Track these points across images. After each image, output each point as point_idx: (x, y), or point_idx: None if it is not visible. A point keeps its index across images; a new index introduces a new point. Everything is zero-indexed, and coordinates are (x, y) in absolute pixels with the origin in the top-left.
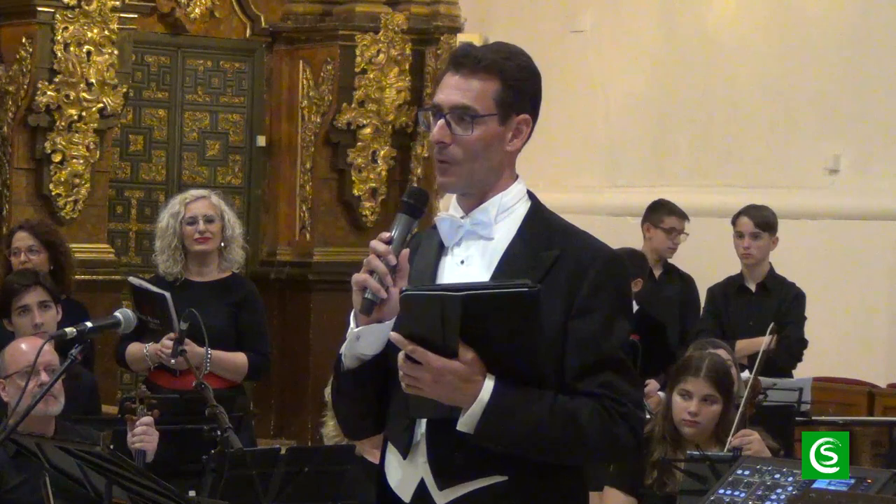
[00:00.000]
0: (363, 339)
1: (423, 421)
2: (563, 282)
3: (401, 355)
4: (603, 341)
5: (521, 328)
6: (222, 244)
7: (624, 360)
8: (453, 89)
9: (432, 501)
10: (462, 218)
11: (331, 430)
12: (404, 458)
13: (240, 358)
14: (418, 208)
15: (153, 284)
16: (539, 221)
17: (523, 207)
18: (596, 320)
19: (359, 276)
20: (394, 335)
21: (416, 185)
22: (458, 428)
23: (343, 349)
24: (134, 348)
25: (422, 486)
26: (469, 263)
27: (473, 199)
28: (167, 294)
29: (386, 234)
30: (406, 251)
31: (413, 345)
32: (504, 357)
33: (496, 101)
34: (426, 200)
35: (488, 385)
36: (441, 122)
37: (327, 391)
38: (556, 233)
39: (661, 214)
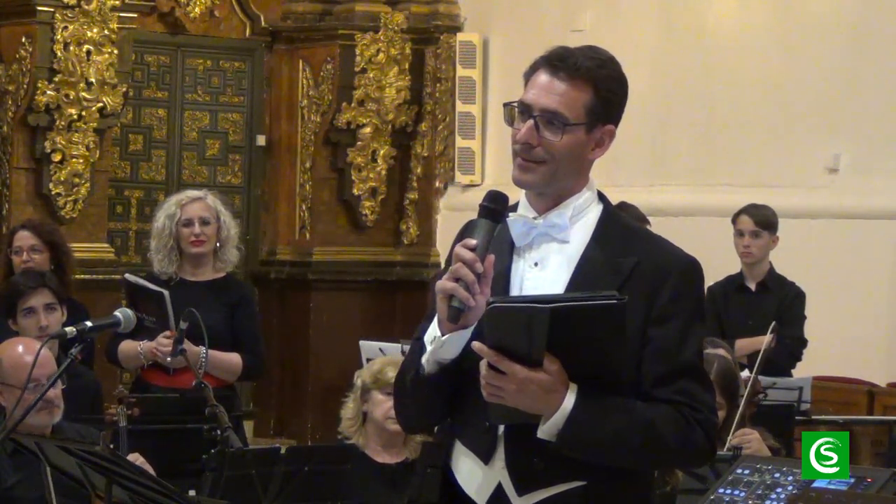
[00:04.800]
0: (447, 345)
1: (501, 425)
2: (643, 289)
3: (483, 364)
4: (681, 349)
5: (606, 338)
6: (217, 244)
7: (699, 366)
8: (546, 91)
9: None
10: (535, 219)
11: (349, 412)
12: (485, 462)
13: (234, 358)
14: (499, 212)
15: (148, 282)
16: (614, 225)
17: (596, 210)
18: (674, 328)
19: (447, 285)
20: (477, 345)
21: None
22: (539, 436)
23: (426, 357)
24: (127, 346)
25: (499, 490)
26: (544, 267)
27: (548, 200)
28: (165, 292)
29: (472, 242)
30: (491, 257)
31: (498, 355)
32: (587, 365)
33: (586, 111)
34: (506, 203)
35: (571, 395)
36: (530, 123)
37: (358, 373)
38: (634, 238)
39: None
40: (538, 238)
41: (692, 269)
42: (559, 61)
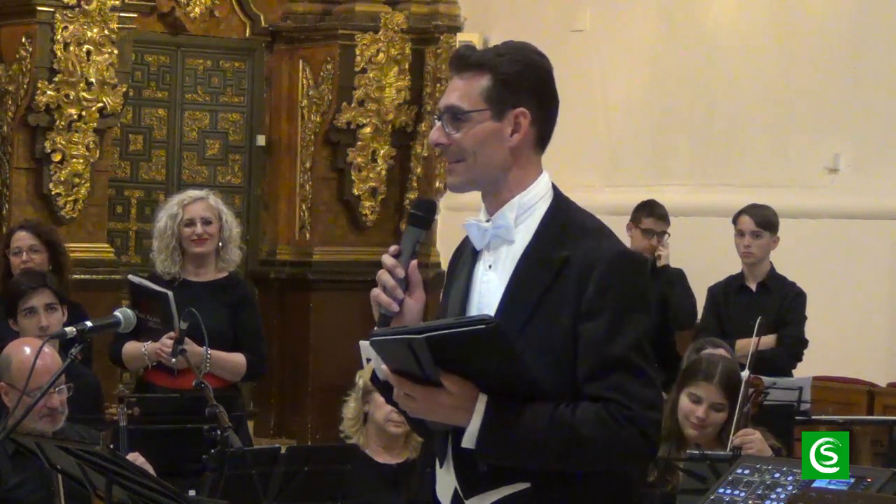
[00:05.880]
0: None
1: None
2: (572, 284)
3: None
4: (610, 342)
5: (495, 358)
6: (220, 244)
7: (633, 359)
8: (448, 91)
9: None
10: (486, 222)
11: (350, 412)
12: (440, 466)
13: (238, 358)
14: (426, 219)
15: (151, 283)
16: (556, 220)
17: (544, 205)
18: (603, 321)
19: (373, 291)
20: (383, 369)
21: (424, 195)
22: (462, 445)
23: (374, 364)
24: (131, 347)
25: (456, 493)
26: (495, 268)
27: (496, 201)
28: (169, 293)
29: (394, 248)
30: (415, 262)
31: (398, 378)
32: (494, 380)
33: (485, 97)
34: (434, 211)
35: (480, 406)
36: (438, 124)
37: (360, 373)
38: (569, 232)
39: (641, 215)
40: (493, 241)
41: (620, 260)
42: (458, 60)
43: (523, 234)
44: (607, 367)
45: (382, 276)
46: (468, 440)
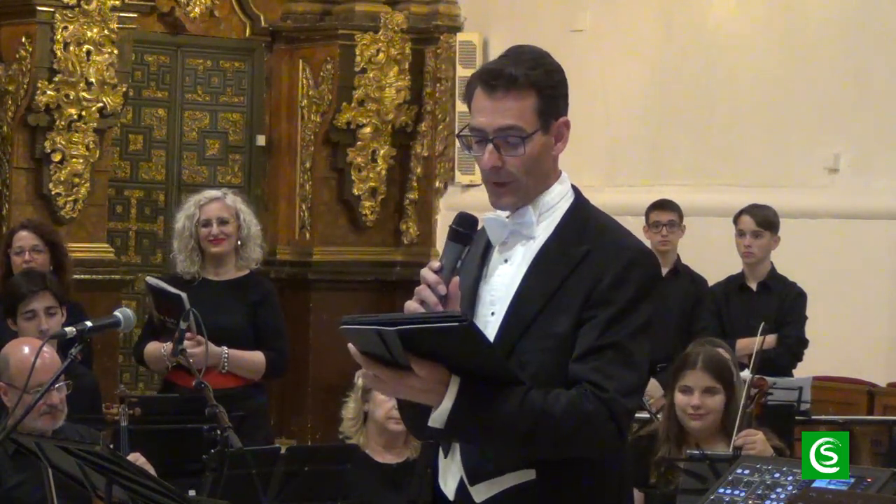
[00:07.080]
0: None
1: None
2: (589, 276)
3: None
4: (608, 329)
5: (469, 352)
6: (239, 243)
7: (627, 345)
8: (493, 112)
9: (471, 500)
10: (507, 217)
11: (350, 412)
12: (445, 456)
13: (257, 356)
14: (468, 235)
15: (170, 284)
16: (577, 218)
17: (565, 204)
18: (609, 311)
19: (410, 306)
20: (352, 349)
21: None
22: (430, 424)
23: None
24: (152, 347)
25: (461, 483)
26: (511, 262)
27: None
28: (183, 294)
29: (436, 263)
30: (456, 279)
31: (367, 360)
32: (466, 368)
33: (537, 115)
34: (475, 227)
35: (452, 390)
36: (490, 147)
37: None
38: (590, 229)
39: (649, 211)
40: (511, 235)
41: (638, 257)
42: (494, 79)
43: (543, 231)
44: (597, 349)
45: (423, 291)
46: (437, 420)
